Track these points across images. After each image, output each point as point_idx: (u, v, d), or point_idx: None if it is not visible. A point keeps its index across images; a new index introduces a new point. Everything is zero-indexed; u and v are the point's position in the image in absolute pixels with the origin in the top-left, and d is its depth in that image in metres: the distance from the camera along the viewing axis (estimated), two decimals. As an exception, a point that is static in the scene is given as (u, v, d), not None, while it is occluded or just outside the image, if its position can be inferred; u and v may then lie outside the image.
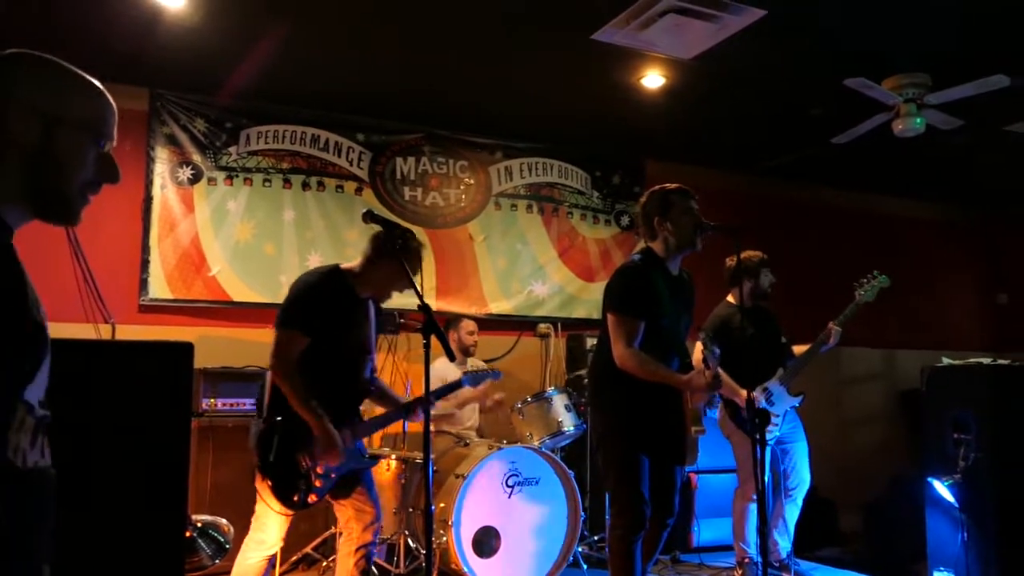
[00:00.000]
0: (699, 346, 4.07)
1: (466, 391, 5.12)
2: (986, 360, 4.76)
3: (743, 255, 4.53)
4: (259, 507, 3.13)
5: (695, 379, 3.12)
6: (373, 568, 4.35)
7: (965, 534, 4.31)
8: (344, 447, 3.06)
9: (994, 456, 4.26)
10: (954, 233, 8.15)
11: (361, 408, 3.38)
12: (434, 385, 5.00)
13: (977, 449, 4.29)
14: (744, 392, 4.34)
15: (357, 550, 3.20)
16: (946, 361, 4.83)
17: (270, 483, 3.02)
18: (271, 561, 3.19)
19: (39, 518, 1.23)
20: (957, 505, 4.32)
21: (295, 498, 3.03)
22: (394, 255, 2.98)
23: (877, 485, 6.46)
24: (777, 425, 4.50)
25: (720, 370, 4.30)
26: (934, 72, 4.68)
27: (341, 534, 3.30)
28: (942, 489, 4.36)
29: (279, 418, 3.06)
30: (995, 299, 8.17)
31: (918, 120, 4.76)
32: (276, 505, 3.03)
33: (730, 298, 4.63)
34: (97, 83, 1.34)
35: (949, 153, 6.23)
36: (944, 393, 4.57)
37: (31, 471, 1.22)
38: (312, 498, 3.07)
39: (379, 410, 3.47)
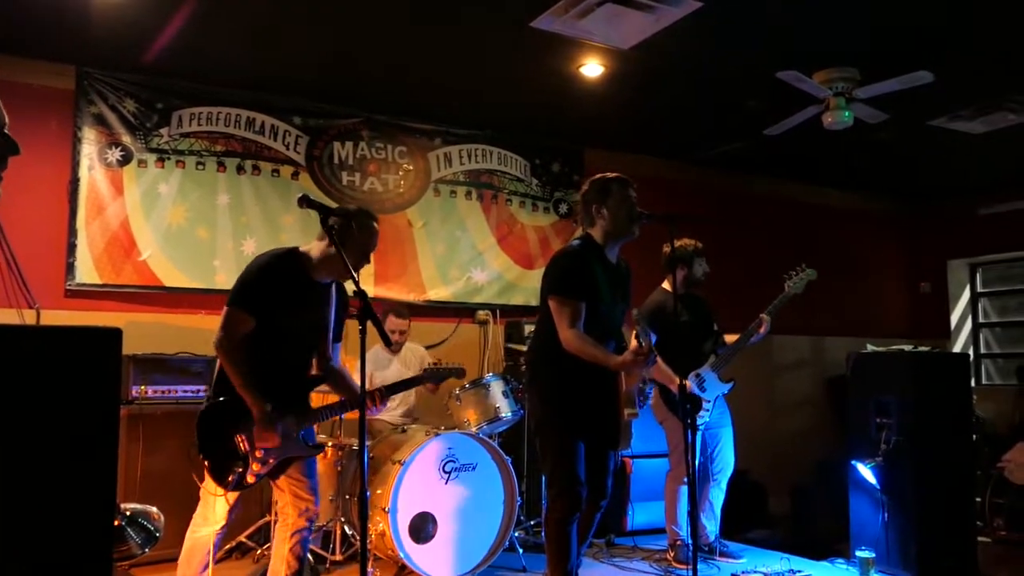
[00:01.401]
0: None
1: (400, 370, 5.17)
2: (907, 347, 4.94)
3: (678, 243, 4.63)
4: (205, 482, 3.13)
5: (628, 358, 3.16)
6: (308, 555, 4.34)
7: (886, 514, 4.48)
8: (283, 432, 3.05)
9: (913, 440, 4.43)
10: (880, 224, 8.42)
11: (315, 394, 3.36)
12: (369, 372, 4.99)
13: (898, 433, 4.46)
14: (678, 379, 4.44)
15: (292, 535, 3.20)
16: (870, 348, 5.00)
17: (207, 463, 3.01)
18: (220, 535, 3.18)
19: None
20: (879, 487, 4.49)
21: (229, 479, 3.02)
22: (344, 242, 2.98)
23: (804, 469, 6.66)
24: (708, 411, 4.61)
25: (657, 356, 4.38)
26: (863, 67, 4.82)
27: (277, 520, 3.28)
28: (865, 472, 4.53)
29: (222, 398, 3.04)
30: (918, 288, 8.47)
31: (847, 113, 4.89)
32: (211, 485, 3.03)
33: (665, 285, 4.72)
34: None
35: (876, 146, 6.42)
36: (868, 379, 4.74)
37: None
38: (249, 479, 3.06)
39: (334, 397, 3.45)
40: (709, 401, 4.61)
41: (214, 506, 3.10)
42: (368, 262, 3.21)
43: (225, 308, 3.04)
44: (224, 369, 3.02)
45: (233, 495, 3.11)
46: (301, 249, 3.16)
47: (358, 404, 3.17)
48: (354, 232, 3.08)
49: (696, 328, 4.66)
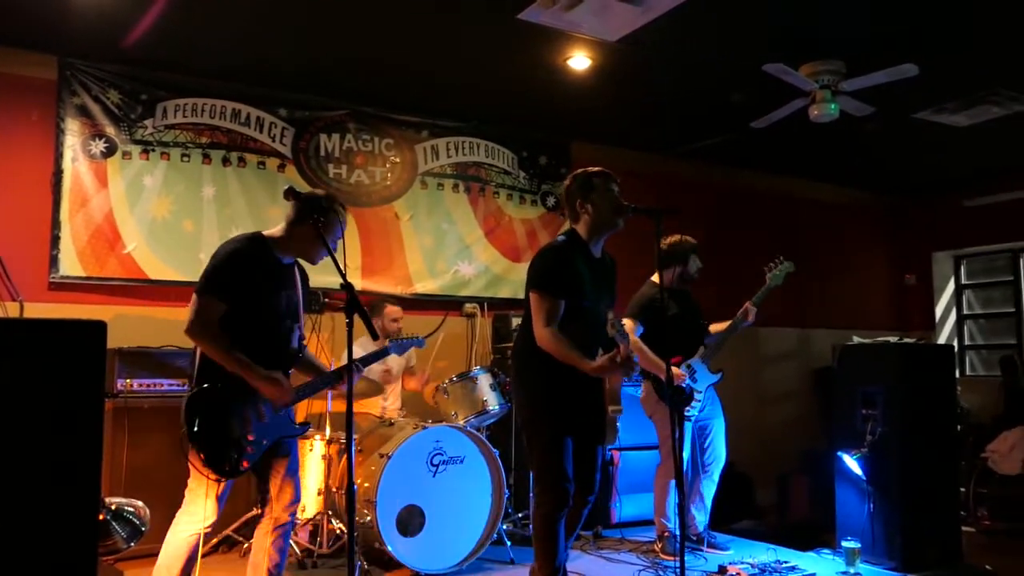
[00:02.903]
0: (628, 322, 4.19)
1: (393, 362, 5.17)
2: (893, 339, 4.97)
3: (675, 239, 4.68)
4: (192, 480, 3.06)
5: (606, 365, 3.16)
6: (291, 545, 4.33)
7: (871, 505, 4.51)
8: (270, 412, 3.07)
9: (898, 430, 4.47)
10: (865, 216, 8.46)
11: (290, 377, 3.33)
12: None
13: (883, 424, 4.49)
14: (675, 371, 4.46)
15: (275, 529, 3.18)
16: (856, 340, 5.03)
17: (201, 452, 2.95)
18: (208, 532, 3.11)
19: None
20: (864, 478, 4.52)
21: (227, 466, 2.98)
22: (311, 219, 3.07)
23: (791, 460, 6.70)
24: (700, 402, 4.62)
25: (646, 348, 4.41)
26: (849, 60, 4.83)
27: (263, 513, 3.24)
28: (851, 463, 4.56)
29: (205, 385, 3.01)
30: (903, 280, 8.52)
31: (832, 106, 4.90)
32: (209, 473, 2.97)
33: (654, 278, 4.73)
34: None
35: (861, 139, 6.44)
36: (854, 371, 4.77)
37: None
38: (244, 464, 3.02)
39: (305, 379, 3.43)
40: (701, 392, 4.63)
41: (205, 501, 3.04)
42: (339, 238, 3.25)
43: (194, 296, 3.03)
44: (205, 356, 3.02)
45: (221, 487, 3.06)
46: (265, 233, 3.19)
47: (334, 377, 3.26)
48: (331, 215, 3.15)
49: (686, 320, 4.68)
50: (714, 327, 4.78)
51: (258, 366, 3.02)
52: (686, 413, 4.56)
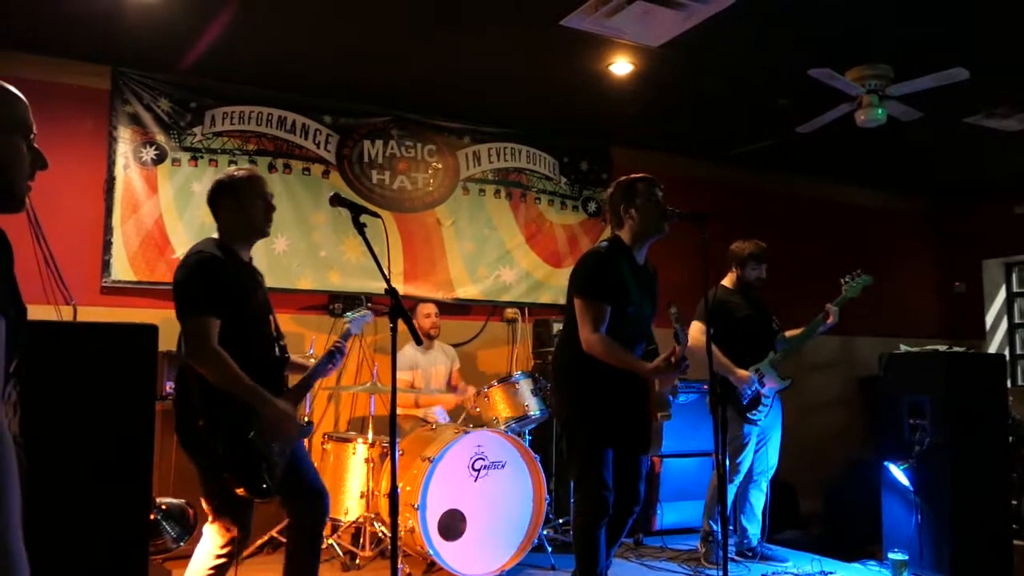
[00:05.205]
0: (696, 325, 4.31)
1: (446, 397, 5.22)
2: (942, 347, 4.88)
3: (748, 242, 4.67)
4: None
5: (661, 366, 3.14)
6: (335, 546, 4.36)
7: (919, 517, 4.43)
8: (292, 414, 2.86)
9: (947, 441, 4.38)
10: (913, 223, 8.30)
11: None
12: (402, 371, 5.04)
13: (932, 434, 4.40)
14: (741, 372, 4.44)
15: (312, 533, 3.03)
16: (903, 348, 4.94)
17: (239, 476, 2.75)
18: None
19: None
20: (912, 488, 4.44)
21: (264, 484, 2.76)
22: (224, 197, 2.97)
23: (836, 469, 6.59)
24: (767, 406, 4.58)
25: (717, 350, 4.41)
26: (896, 64, 4.76)
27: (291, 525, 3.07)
28: (898, 473, 4.48)
29: (218, 409, 2.75)
30: (952, 288, 8.34)
31: (880, 111, 4.83)
32: (249, 495, 2.78)
33: (725, 281, 4.72)
34: (11, 88, 1.50)
35: (909, 144, 6.33)
36: (901, 379, 4.69)
37: (15, 441, 1.32)
38: (278, 477, 2.83)
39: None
40: (768, 397, 4.58)
41: (232, 525, 2.90)
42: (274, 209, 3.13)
43: (185, 322, 2.76)
44: (202, 381, 2.74)
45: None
46: (216, 238, 2.97)
47: (323, 365, 3.09)
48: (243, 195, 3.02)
49: (757, 323, 4.65)
50: (788, 333, 4.73)
51: (267, 393, 2.78)
52: (752, 417, 4.53)
